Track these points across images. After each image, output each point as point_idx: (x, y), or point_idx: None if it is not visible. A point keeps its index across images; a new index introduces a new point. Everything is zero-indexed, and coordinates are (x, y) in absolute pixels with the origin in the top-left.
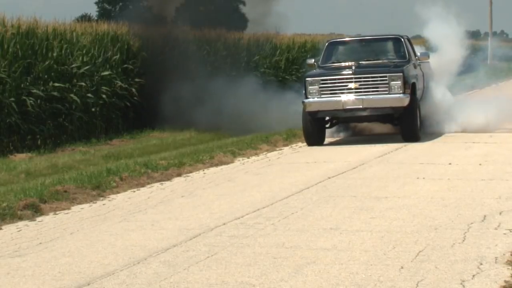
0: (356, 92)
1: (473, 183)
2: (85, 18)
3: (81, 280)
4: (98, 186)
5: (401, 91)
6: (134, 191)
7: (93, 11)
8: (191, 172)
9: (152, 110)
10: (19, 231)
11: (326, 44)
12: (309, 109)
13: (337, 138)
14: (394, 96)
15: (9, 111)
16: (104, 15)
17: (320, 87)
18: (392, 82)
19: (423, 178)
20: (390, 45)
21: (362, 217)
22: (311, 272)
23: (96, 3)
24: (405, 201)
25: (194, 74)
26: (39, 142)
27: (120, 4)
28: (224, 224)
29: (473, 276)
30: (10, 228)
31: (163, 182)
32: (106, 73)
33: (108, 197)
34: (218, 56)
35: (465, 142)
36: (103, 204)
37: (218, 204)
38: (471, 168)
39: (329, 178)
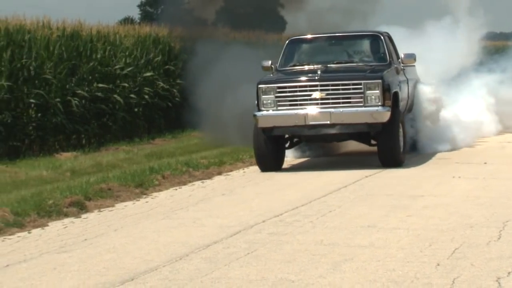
0: (322, 104)
1: (508, 182)
2: (128, 20)
3: (125, 275)
4: (141, 184)
5: (379, 103)
6: (176, 189)
7: (135, 14)
8: (231, 171)
9: (193, 110)
10: (65, 227)
11: (287, 42)
12: (262, 124)
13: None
14: (370, 109)
15: (55, 111)
16: (146, 17)
17: (277, 97)
18: (368, 92)
19: (459, 177)
20: (366, 44)
21: (398, 215)
22: (348, 269)
23: (138, 6)
24: (440, 200)
25: (233, 76)
26: (83, 141)
27: (162, 6)
28: (263, 221)
29: (509, 273)
30: (57, 225)
31: (204, 181)
32: (148, 74)
33: (151, 195)
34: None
35: (499, 142)
36: (146, 202)
37: (258, 202)
38: (506, 168)
39: (366, 177)
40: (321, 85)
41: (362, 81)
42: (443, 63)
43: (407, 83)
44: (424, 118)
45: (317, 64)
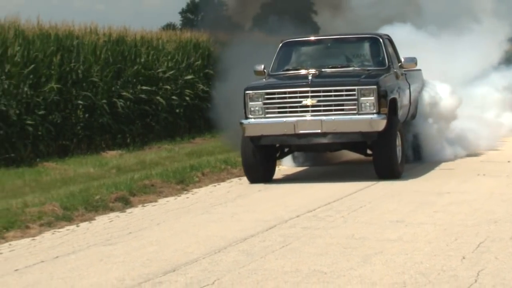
0: (313, 111)
1: None
2: (170, 26)
3: (167, 267)
4: (182, 181)
5: (374, 111)
6: (215, 186)
7: (177, 20)
8: None
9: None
10: (110, 221)
11: (280, 44)
12: (249, 133)
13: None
14: (365, 117)
15: (101, 112)
16: (187, 23)
17: (265, 104)
18: (362, 98)
19: (483, 175)
20: (365, 48)
21: (425, 211)
22: (378, 262)
23: (180, 13)
24: (466, 196)
25: None
26: (128, 140)
27: (202, 13)
28: (297, 216)
29: None
30: (103, 219)
31: (241, 178)
32: (189, 77)
33: (191, 191)
34: None
35: None
36: (187, 198)
37: (292, 198)
38: None
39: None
40: (312, 91)
41: (356, 87)
42: (464, 64)
43: (409, 88)
44: (431, 123)
45: (311, 68)
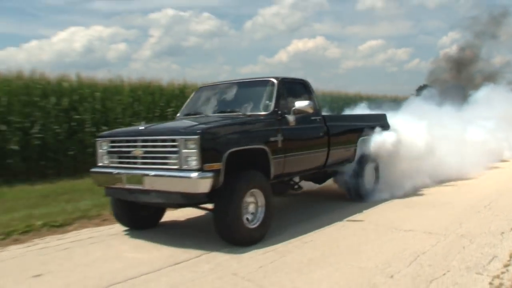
0: (142, 164)
1: None
2: None
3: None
4: None
5: (196, 167)
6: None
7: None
8: None
9: None
10: None
11: (195, 91)
12: (95, 182)
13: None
14: (182, 174)
15: None
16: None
17: (109, 153)
18: (184, 151)
19: None
20: (258, 92)
21: None
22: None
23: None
24: None
25: None
26: None
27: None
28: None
29: None
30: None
31: None
32: None
33: None
34: None
35: None
36: None
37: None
38: None
39: None
40: (142, 140)
41: (178, 137)
42: None
43: (327, 133)
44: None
45: (204, 113)
